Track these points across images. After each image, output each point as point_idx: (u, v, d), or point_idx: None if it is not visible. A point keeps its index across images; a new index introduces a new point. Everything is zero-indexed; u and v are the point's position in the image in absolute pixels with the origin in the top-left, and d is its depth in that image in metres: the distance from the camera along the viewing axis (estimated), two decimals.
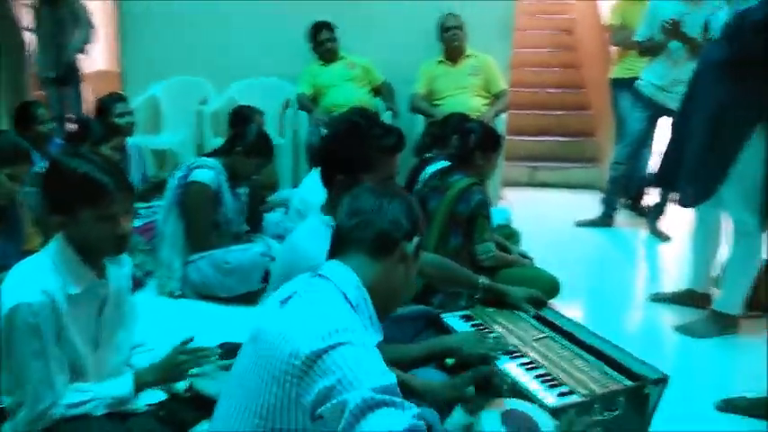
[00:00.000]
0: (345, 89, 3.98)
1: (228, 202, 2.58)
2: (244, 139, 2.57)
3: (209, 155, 2.65)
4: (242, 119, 3.33)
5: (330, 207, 1.56)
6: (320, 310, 1.07)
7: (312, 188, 2.29)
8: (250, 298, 2.48)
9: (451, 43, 3.91)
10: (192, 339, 1.51)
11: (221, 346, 1.63)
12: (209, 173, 2.50)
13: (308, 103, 4.02)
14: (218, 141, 3.77)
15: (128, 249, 1.48)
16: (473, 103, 3.82)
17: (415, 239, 1.22)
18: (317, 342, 1.00)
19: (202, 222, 2.50)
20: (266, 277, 2.55)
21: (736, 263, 2.40)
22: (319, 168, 2.34)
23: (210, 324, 2.30)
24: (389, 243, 1.19)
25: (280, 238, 2.94)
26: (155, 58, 4.25)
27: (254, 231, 2.83)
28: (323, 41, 4.00)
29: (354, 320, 1.09)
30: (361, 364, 0.98)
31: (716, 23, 2.94)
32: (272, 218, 3.06)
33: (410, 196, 1.31)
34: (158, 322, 2.14)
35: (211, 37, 4.27)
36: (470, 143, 2.40)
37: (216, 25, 4.27)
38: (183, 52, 4.25)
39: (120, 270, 1.50)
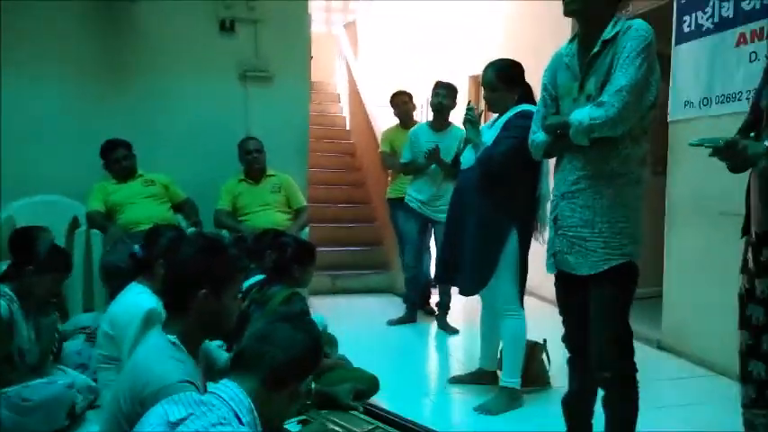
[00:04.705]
0: (144, 206, 3.89)
1: (23, 331, 2.33)
2: (34, 257, 2.40)
3: None
4: (26, 240, 3.06)
5: (181, 324, 1.55)
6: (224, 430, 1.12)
7: (126, 309, 2.21)
8: None
9: (253, 165, 4.12)
10: None
11: None
12: None
13: (102, 221, 3.83)
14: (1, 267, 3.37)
15: None
16: (277, 219, 4.01)
17: (309, 378, 1.32)
18: None
19: None
20: (72, 412, 2.31)
21: (508, 343, 2.81)
22: (142, 287, 2.30)
23: None
24: (286, 379, 1.26)
25: (83, 367, 2.70)
26: None
27: (54, 362, 2.55)
28: (119, 159, 3.92)
29: None
30: None
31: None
32: (71, 346, 2.78)
33: (319, 335, 1.37)
34: None
35: None
36: (287, 256, 2.58)
37: None
38: None
39: None
